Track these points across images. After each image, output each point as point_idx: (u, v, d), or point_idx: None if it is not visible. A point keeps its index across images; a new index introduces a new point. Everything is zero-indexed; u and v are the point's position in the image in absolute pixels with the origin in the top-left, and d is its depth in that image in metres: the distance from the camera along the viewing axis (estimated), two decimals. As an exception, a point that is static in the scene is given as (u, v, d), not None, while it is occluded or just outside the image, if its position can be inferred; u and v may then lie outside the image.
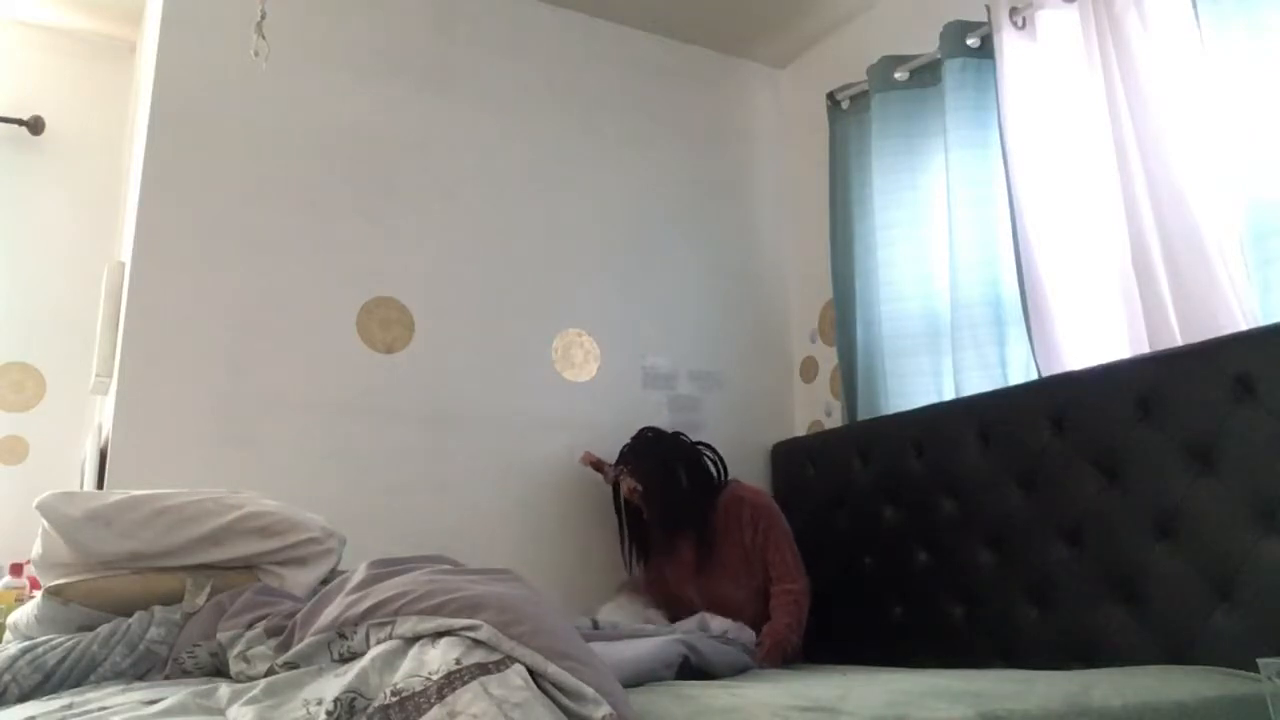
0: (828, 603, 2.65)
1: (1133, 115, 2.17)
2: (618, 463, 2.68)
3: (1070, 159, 2.37)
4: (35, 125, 3.11)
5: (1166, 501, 1.94)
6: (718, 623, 2.26)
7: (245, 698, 1.25)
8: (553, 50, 3.13)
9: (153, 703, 1.27)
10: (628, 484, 2.62)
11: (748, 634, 2.25)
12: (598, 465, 2.76)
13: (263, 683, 1.29)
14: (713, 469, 2.67)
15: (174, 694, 1.32)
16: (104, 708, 1.26)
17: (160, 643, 1.63)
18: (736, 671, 1.95)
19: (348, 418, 2.58)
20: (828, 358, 3.15)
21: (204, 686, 1.38)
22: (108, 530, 1.75)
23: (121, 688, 1.47)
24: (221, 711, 1.25)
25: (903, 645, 2.46)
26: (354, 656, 1.30)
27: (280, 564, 1.85)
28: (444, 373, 2.74)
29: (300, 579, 1.84)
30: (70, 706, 1.30)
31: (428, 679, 1.12)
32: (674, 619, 2.44)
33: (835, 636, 2.62)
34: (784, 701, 1.29)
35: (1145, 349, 2.11)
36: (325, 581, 1.82)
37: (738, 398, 3.19)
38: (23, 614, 1.76)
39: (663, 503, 2.59)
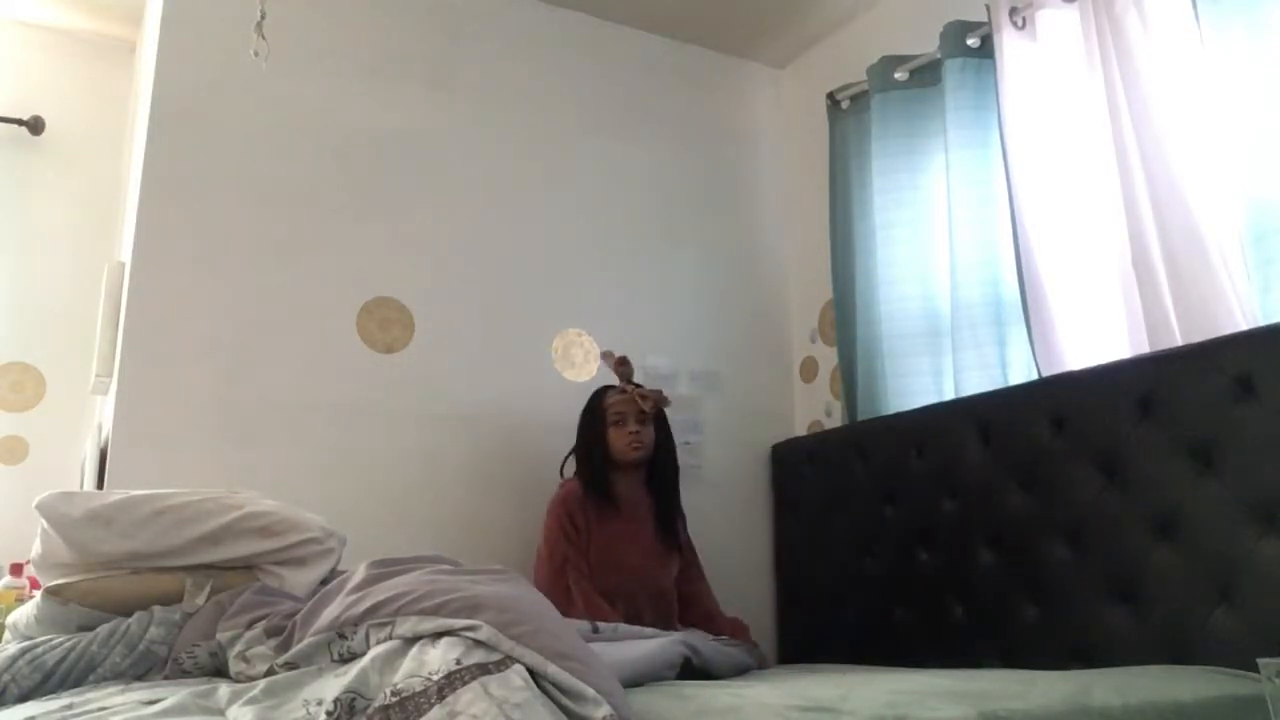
0: (828, 603, 2.66)
1: (1133, 115, 2.17)
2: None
3: (1070, 159, 2.37)
4: (35, 125, 3.11)
5: (1166, 501, 1.94)
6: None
7: (245, 698, 1.25)
8: (553, 50, 3.13)
9: (152, 703, 1.27)
10: (650, 393, 2.54)
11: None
12: (622, 363, 2.60)
13: (262, 683, 1.30)
14: None
15: (174, 694, 1.32)
16: (104, 708, 1.26)
17: (160, 643, 1.62)
18: (737, 672, 1.95)
19: (347, 418, 2.58)
20: (828, 358, 3.15)
21: (204, 687, 1.38)
22: (107, 530, 1.75)
23: (121, 688, 1.46)
24: (221, 711, 1.25)
25: (903, 645, 2.46)
26: (354, 657, 1.30)
27: (280, 564, 1.85)
28: (444, 373, 2.74)
29: (300, 579, 1.84)
30: (70, 707, 1.30)
31: (428, 679, 1.12)
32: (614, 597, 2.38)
33: (835, 636, 2.62)
34: (784, 701, 1.29)
35: (1145, 349, 2.11)
36: (325, 581, 1.82)
37: (737, 398, 3.19)
38: (22, 614, 1.76)
39: (669, 449, 2.61)
